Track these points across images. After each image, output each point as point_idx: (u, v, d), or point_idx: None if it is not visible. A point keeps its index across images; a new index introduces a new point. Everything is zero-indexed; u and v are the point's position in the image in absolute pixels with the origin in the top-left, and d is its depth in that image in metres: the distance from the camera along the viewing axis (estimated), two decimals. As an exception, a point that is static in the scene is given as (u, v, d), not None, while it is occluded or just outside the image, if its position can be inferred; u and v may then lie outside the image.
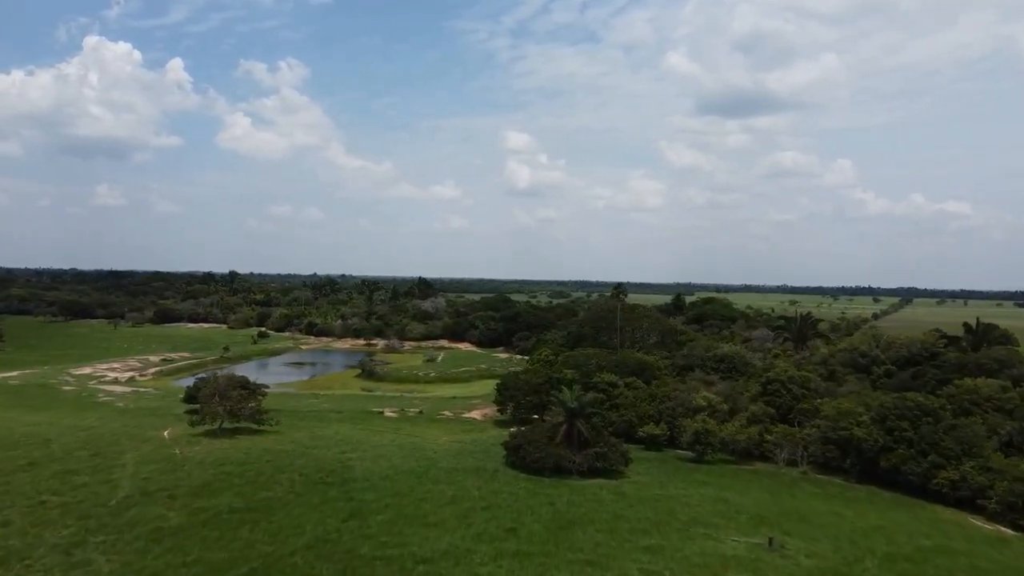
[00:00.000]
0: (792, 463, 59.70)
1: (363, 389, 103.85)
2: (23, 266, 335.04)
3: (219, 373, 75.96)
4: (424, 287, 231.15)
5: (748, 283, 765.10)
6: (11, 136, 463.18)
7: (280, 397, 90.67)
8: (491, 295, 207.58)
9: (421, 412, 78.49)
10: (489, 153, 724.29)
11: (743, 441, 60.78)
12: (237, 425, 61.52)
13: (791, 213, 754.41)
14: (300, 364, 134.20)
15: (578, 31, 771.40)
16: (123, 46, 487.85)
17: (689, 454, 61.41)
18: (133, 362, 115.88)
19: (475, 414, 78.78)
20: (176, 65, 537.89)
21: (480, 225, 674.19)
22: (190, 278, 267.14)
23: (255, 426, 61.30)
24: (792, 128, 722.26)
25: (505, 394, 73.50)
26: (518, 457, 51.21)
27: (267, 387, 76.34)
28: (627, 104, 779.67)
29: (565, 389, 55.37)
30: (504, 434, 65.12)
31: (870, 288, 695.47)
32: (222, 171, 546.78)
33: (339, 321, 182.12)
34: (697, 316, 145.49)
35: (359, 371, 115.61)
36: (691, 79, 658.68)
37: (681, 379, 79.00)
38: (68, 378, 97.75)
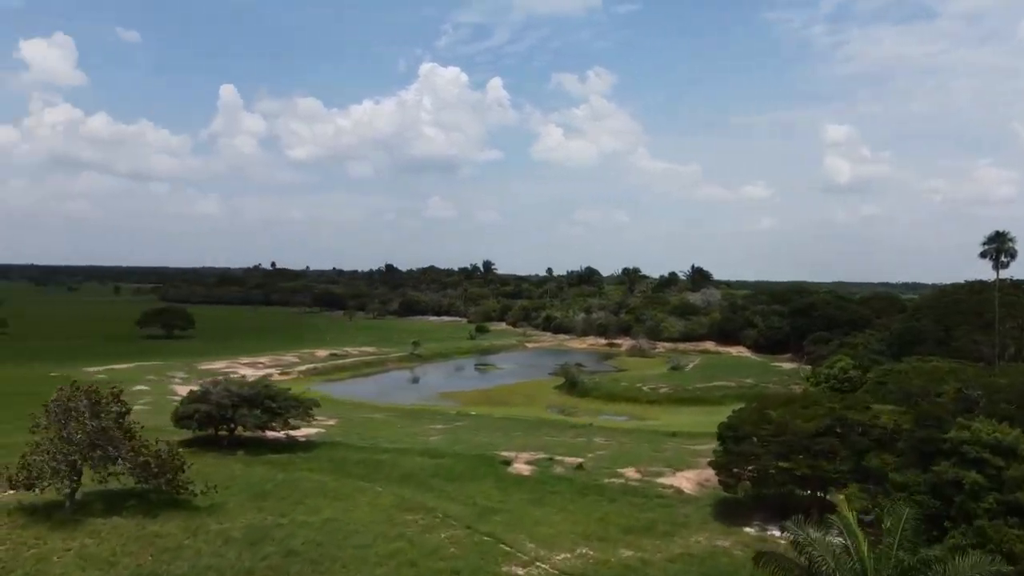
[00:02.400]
0: None
1: (552, 408, 69.52)
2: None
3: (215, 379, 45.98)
4: (699, 277, 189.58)
5: None
6: (364, 158, 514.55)
7: (405, 417, 60.04)
8: (781, 288, 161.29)
9: (581, 466, 41.55)
10: (803, 148, 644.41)
11: None
12: (145, 487, 30.09)
13: None
14: (504, 367, 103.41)
15: (908, 7, 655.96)
16: (452, 70, 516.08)
17: None
18: (292, 358, 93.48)
19: (683, 479, 39.85)
20: (496, 84, 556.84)
21: (792, 225, 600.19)
22: (451, 272, 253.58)
23: (175, 493, 29.49)
24: None
25: (733, 452, 33.89)
26: None
27: (314, 404, 45.08)
28: (968, 84, 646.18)
29: (845, 512, 14.81)
30: (731, 551, 27.16)
31: None
32: (535, 180, 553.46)
33: (581, 316, 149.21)
34: None
35: (562, 381, 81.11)
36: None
37: None
38: (180, 374, 76.73)
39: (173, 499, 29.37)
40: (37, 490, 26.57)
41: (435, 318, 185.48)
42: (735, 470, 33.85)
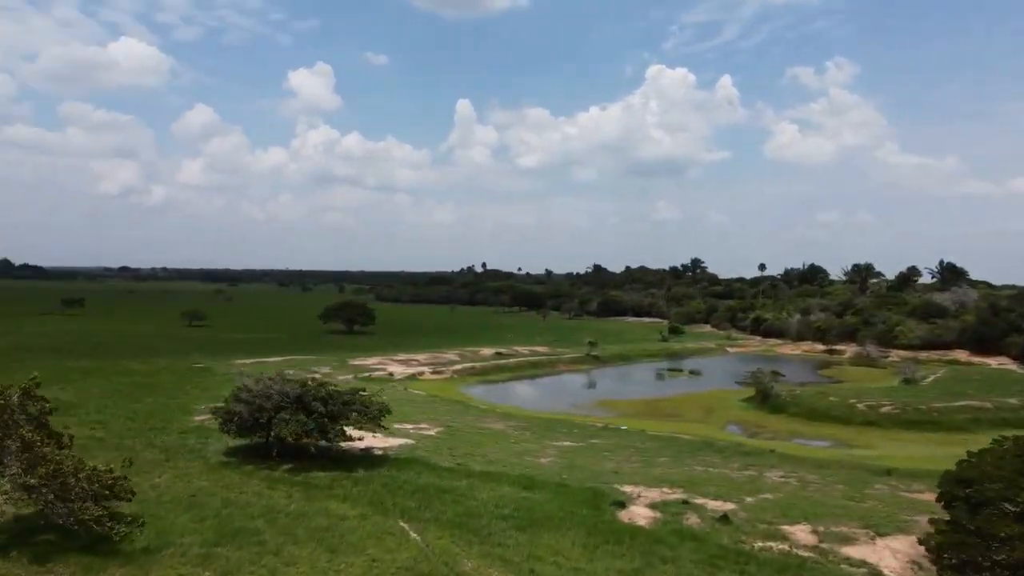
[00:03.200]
0: None
1: (732, 425, 55.87)
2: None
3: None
4: (950, 274, 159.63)
5: None
6: (589, 164, 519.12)
7: (534, 428, 49.70)
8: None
9: (727, 518, 28.57)
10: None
11: None
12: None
13: None
14: (692, 373, 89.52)
15: None
16: (679, 71, 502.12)
17: None
18: (452, 356, 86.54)
19: (887, 550, 25.47)
20: (725, 82, 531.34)
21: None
22: (661, 272, 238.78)
23: (96, 527, 21.36)
24: None
25: (964, 527, 19.72)
26: None
27: (384, 410, 35.65)
28: None
29: None
30: None
31: None
32: (768, 180, 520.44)
33: (796, 317, 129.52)
34: None
35: (752, 392, 66.17)
36: None
37: None
38: (324, 369, 72.14)
39: (102, 536, 21.28)
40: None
41: (634, 319, 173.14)
42: (968, 557, 19.67)
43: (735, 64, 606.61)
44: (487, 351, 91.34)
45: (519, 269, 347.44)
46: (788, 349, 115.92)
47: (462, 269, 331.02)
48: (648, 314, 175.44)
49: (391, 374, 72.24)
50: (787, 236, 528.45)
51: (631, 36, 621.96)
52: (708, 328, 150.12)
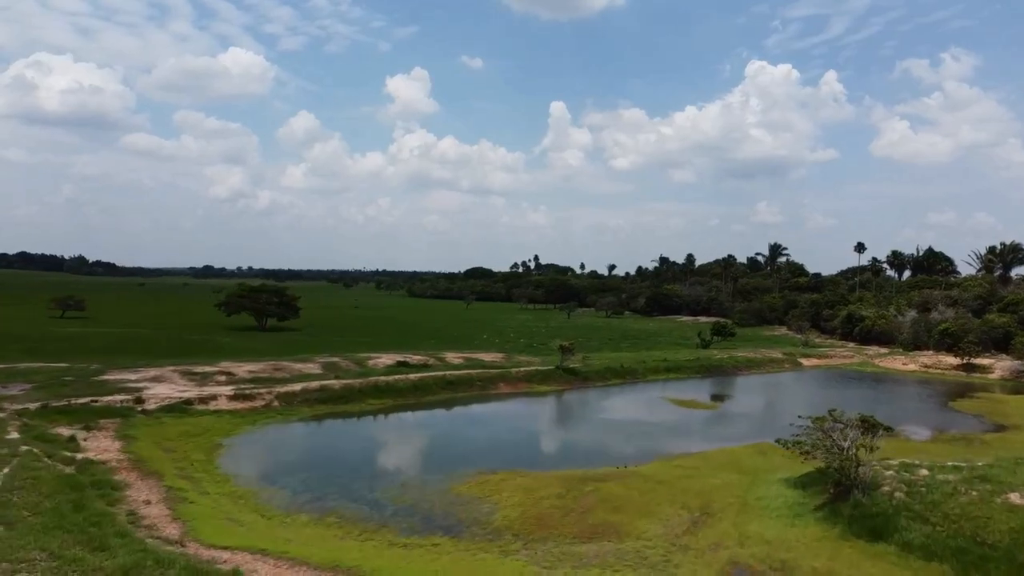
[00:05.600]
0: None
1: (746, 572, 19.28)
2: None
3: None
4: None
5: None
6: (686, 165, 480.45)
7: None
8: None
9: None
10: None
11: None
12: None
13: None
14: (726, 403, 52.55)
15: None
16: (782, 68, 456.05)
17: None
18: (311, 367, 52.65)
19: None
20: (830, 78, 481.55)
21: None
22: (730, 262, 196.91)
23: None
24: None
25: None
26: None
27: None
28: None
29: None
30: None
31: None
32: (875, 181, 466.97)
33: (911, 315, 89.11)
34: None
35: (811, 467, 29.00)
36: None
37: None
38: (13, 390, 39.62)
39: None
40: None
41: (688, 317, 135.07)
42: None
43: (842, 59, 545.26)
44: (387, 360, 56.88)
45: (581, 265, 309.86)
46: (898, 363, 76.19)
47: (514, 264, 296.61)
48: (707, 311, 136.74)
49: (139, 399, 38.97)
50: (895, 239, 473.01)
51: (731, 33, 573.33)
52: (783, 330, 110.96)
